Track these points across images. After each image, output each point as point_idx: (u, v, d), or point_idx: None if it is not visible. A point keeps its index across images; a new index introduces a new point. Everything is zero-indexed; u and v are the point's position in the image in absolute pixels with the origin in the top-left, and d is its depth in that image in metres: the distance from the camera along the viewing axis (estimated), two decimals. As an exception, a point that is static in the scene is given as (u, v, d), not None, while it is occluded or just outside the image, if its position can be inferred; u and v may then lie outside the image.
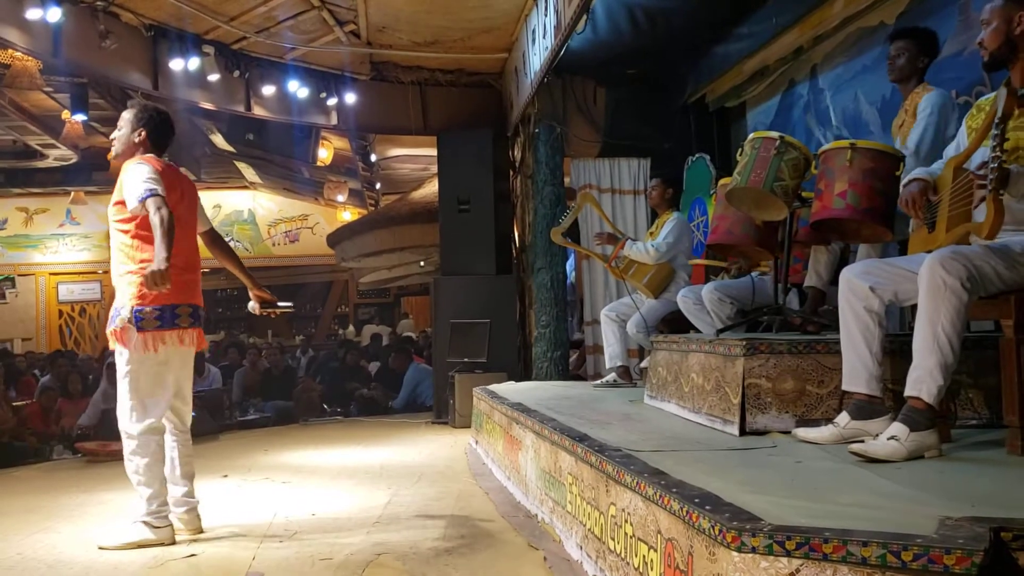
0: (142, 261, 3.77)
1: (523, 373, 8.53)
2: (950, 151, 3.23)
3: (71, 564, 3.61)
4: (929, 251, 2.86)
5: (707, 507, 2.10)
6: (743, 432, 3.41)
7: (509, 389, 6.30)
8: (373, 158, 12.72)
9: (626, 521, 2.64)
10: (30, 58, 9.18)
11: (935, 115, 3.81)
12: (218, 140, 12.28)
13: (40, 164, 14.68)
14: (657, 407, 4.50)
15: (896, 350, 3.20)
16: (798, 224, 4.16)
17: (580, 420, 4.04)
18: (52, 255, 17.73)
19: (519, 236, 9.23)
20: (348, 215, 16.95)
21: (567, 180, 8.57)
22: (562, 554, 3.38)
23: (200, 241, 4.20)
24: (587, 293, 8.53)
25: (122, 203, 3.82)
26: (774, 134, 4.03)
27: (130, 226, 3.83)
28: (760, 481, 2.52)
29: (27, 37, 7.17)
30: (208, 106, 9.07)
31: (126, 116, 4.01)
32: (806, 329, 3.97)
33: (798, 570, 1.83)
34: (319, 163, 13.27)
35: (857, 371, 3.03)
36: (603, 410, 4.59)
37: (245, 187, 17.49)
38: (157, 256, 3.54)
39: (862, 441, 2.85)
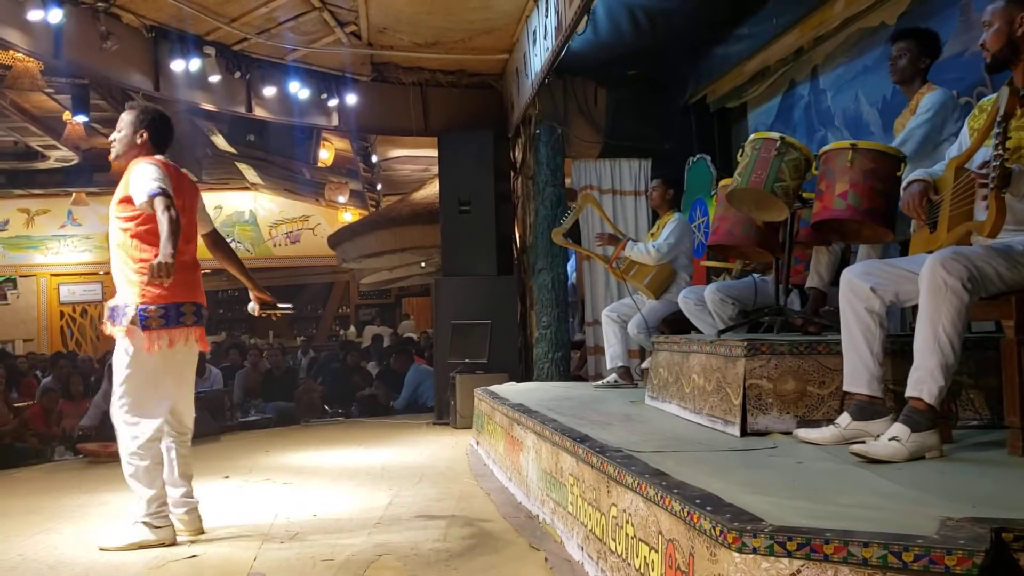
0: (141, 261, 3.76)
1: (524, 374, 8.53)
2: (952, 151, 3.23)
3: (72, 565, 3.61)
4: (930, 251, 2.85)
5: (708, 508, 2.10)
6: (744, 433, 3.40)
7: (510, 390, 6.30)
8: (374, 159, 12.73)
9: (627, 522, 2.64)
10: (31, 59, 9.19)
11: (932, 114, 3.80)
12: (219, 141, 12.29)
13: (41, 165, 14.71)
14: (658, 408, 4.50)
15: (897, 351, 3.20)
16: (799, 225, 4.16)
17: (581, 421, 4.04)
18: (53, 256, 17.74)
19: (520, 237, 9.24)
20: (349, 216, 16.96)
21: (568, 181, 8.58)
22: (563, 555, 3.37)
23: (201, 243, 4.20)
24: (588, 294, 8.53)
25: (126, 200, 3.81)
26: (775, 135, 4.03)
27: (131, 224, 3.83)
28: (761, 482, 2.52)
29: (28, 38, 7.18)
30: (209, 107, 9.08)
31: (126, 118, 4.01)
32: (807, 330, 3.97)
33: (799, 571, 1.83)
34: (320, 164, 13.26)
35: (858, 372, 3.03)
36: (604, 411, 4.58)
37: (246, 188, 17.51)
38: (163, 251, 3.53)
39: (863, 442, 2.85)
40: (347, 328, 18.93)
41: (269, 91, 9.03)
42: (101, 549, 3.79)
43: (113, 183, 4.02)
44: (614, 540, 2.78)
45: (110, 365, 8.31)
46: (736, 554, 1.91)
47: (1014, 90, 2.66)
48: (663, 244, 5.89)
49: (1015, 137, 2.77)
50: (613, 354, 6.09)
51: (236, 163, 14.51)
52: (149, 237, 3.77)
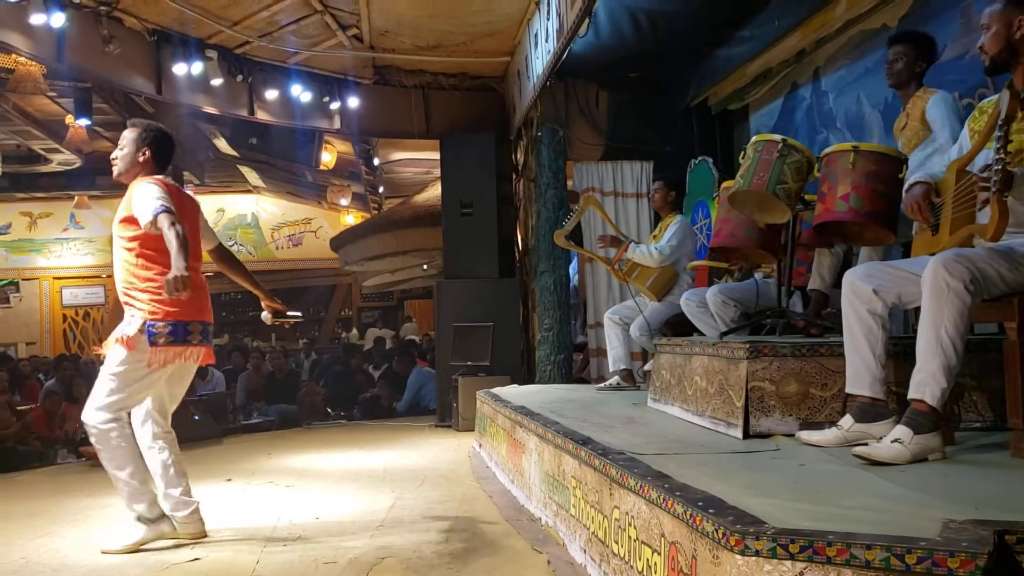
0: (147, 280, 3.78)
1: (526, 376, 8.53)
2: (953, 153, 3.23)
3: (75, 568, 3.62)
4: (932, 254, 2.86)
5: (711, 510, 2.10)
6: (747, 435, 3.40)
7: (512, 392, 6.30)
8: (376, 162, 12.74)
9: (630, 524, 2.64)
10: (34, 63, 9.19)
11: (948, 112, 3.80)
12: (221, 144, 12.30)
13: (44, 168, 14.72)
14: (660, 410, 4.50)
15: (900, 353, 3.20)
16: (801, 227, 4.17)
17: (583, 423, 4.03)
18: (56, 259, 17.75)
19: (522, 239, 9.24)
20: (351, 219, 16.97)
21: (570, 183, 8.58)
22: (566, 557, 3.37)
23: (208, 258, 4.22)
24: (590, 296, 8.53)
25: (129, 220, 3.82)
26: (777, 137, 4.03)
27: (135, 244, 3.83)
28: (764, 484, 2.52)
29: (31, 42, 7.19)
30: (211, 110, 9.09)
31: (129, 136, 4.01)
32: (809, 332, 3.97)
33: (801, 573, 1.83)
34: (322, 167, 13.29)
35: (860, 374, 3.03)
36: (606, 413, 4.58)
37: (248, 191, 17.53)
38: (175, 265, 3.53)
39: (866, 444, 2.85)
40: (349, 331, 18.94)
41: (271, 94, 9.04)
42: (103, 552, 3.79)
43: (115, 187, 4.03)
44: (616, 543, 2.78)
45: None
46: (739, 556, 1.91)
47: (1014, 93, 2.66)
48: (665, 246, 5.89)
49: (1016, 140, 2.77)
50: (615, 356, 6.10)
51: (238, 166, 14.53)
52: (154, 255, 3.78)
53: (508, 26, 8.01)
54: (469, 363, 8.14)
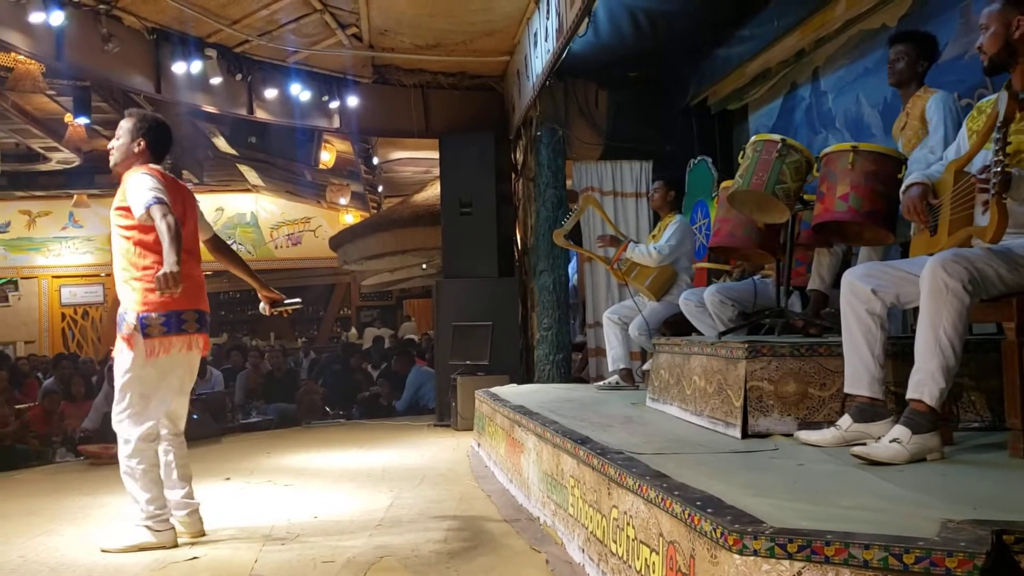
0: (144, 268, 3.78)
1: (525, 376, 8.53)
2: (950, 154, 3.23)
3: (73, 567, 3.62)
4: (931, 254, 2.86)
5: (709, 510, 2.10)
6: (745, 435, 3.41)
7: (511, 392, 6.30)
8: (375, 161, 12.73)
9: (628, 524, 2.64)
10: (33, 61, 9.19)
11: (945, 114, 3.80)
12: (220, 143, 12.30)
13: (43, 167, 14.70)
14: (659, 410, 4.50)
15: (898, 353, 3.20)
16: (800, 227, 4.17)
17: (582, 423, 4.04)
18: (55, 258, 17.74)
19: (521, 239, 9.24)
20: (350, 218, 16.96)
21: (569, 183, 8.58)
22: (564, 557, 3.38)
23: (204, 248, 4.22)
24: (589, 296, 8.53)
25: (124, 209, 3.83)
26: (776, 137, 4.03)
27: (132, 232, 3.84)
28: (762, 484, 2.52)
29: (30, 41, 7.19)
30: (210, 109, 9.09)
31: (125, 126, 4.02)
32: (808, 332, 3.97)
33: (800, 573, 1.83)
34: (321, 166, 13.26)
35: (859, 374, 3.03)
36: (605, 413, 4.58)
37: (247, 190, 17.52)
38: (167, 260, 3.55)
39: (864, 444, 2.85)
40: (348, 330, 18.93)
41: (270, 93, 9.04)
42: (102, 551, 3.79)
43: (114, 185, 4.03)
44: (615, 542, 2.78)
45: (111, 367, 8.31)
46: (737, 556, 1.91)
47: (1013, 94, 2.66)
48: (664, 246, 5.89)
49: (1015, 141, 2.77)
50: (615, 356, 6.10)
51: (237, 165, 14.52)
52: (150, 244, 3.78)
53: (507, 25, 8.01)
54: (468, 362, 8.14)
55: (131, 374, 3.81)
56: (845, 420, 3.07)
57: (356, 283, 18.73)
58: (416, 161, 12.54)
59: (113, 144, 4.03)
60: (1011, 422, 2.81)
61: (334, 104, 9.33)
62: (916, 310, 2.85)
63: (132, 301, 3.80)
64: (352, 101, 9.30)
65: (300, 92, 9.05)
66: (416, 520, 4.26)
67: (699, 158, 7.80)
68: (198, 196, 4.43)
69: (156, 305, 3.76)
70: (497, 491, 4.90)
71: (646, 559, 2.47)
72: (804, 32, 6.35)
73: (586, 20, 6.02)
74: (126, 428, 3.82)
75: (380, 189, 14.58)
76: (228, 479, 5.64)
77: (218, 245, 4.31)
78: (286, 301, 4.39)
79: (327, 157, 13.00)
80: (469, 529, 4.03)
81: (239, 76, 8.68)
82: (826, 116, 6.61)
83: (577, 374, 8.80)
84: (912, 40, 4.02)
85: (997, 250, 2.78)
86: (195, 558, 3.66)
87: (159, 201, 3.67)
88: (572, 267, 9.63)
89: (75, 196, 16.53)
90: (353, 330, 18.73)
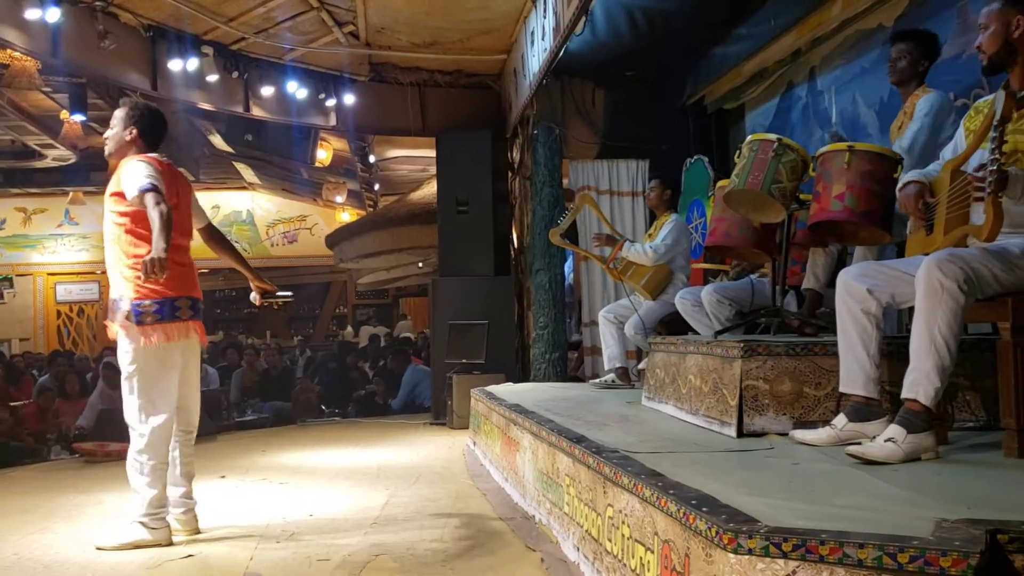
0: (135, 256, 3.76)
1: (521, 374, 8.53)
2: (947, 153, 3.24)
3: (68, 564, 3.61)
4: (926, 253, 2.86)
5: (704, 509, 2.10)
6: (740, 434, 3.41)
7: (507, 390, 6.30)
8: (372, 159, 12.72)
9: (623, 523, 2.64)
10: (29, 58, 9.17)
11: (931, 116, 3.82)
12: (217, 141, 12.28)
13: (38, 164, 14.65)
14: (655, 408, 4.51)
15: (893, 352, 3.20)
16: (796, 226, 4.17)
17: (578, 421, 4.03)
18: (50, 255, 17.70)
19: (517, 237, 9.24)
20: (347, 216, 16.94)
21: (565, 181, 8.58)
22: (559, 555, 3.37)
23: (199, 237, 4.22)
24: (585, 294, 8.53)
25: (119, 194, 3.82)
26: (772, 136, 4.03)
27: (124, 220, 3.83)
28: (757, 483, 2.52)
29: (26, 37, 7.17)
30: (207, 107, 9.07)
31: (118, 114, 4.03)
32: (804, 331, 3.97)
33: (794, 572, 1.83)
34: (318, 164, 13.25)
35: (854, 373, 3.03)
36: (601, 411, 4.58)
37: (244, 188, 17.48)
38: (156, 245, 3.54)
39: (859, 443, 2.85)
40: (344, 328, 18.92)
41: (267, 91, 9.03)
42: (97, 548, 3.78)
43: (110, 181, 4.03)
44: (610, 541, 2.78)
45: (106, 364, 8.32)
46: (732, 555, 1.92)
47: (1010, 93, 2.66)
48: (660, 245, 5.89)
49: (1012, 140, 2.77)
50: (611, 355, 6.10)
51: (234, 163, 14.48)
52: (143, 232, 3.77)
53: (504, 24, 8.01)
54: (464, 361, 8.14)
55: (134, 365, 3.81)
56: (840, 419, 3.07)
57: (352, 281, 18.71)
58: (412, 159, 12.53)
59: (108, 134, 4.04)
60: (1006, 422, 2.81)
61: (331, 102, 9.32)
62: (911, 310, 2.85)
63: (125, 289, 3.80)
64: (349, 99, 9.29)
65: (297, 90, 9.04)
66: (411, 518, 4.26)
67: (695, 157, 7.80)
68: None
69: (148, 293, 3.76)
70: (492, 490, 4.90)
71: (641, 558, 2.47)
72: (801, 32, 6.35)
73: (583, 19, 6.01)
74: (140, 422, 3.81)
75: (376, 187, 14.57)
76: (223, 477, 5.63)
77: (213, 234, 4.32)
78: (278, 293, 4.39)
79: (323, 155, 12.99)
80: (464, 527, 4.03)
81: (235, 73, 8.66)
82: (822, 116, 6.62)
83: (573, 373, 8.80)
84: (914, 39, 4.03)
85: (992, 250, 2.78)
86: (190, 556, 3.66)
87: (153, 188, 3.67)
88: (568, 266, 9.63)
89: (71, 193, 16.49)
90: (349, 328, 18.72)
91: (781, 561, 1.85)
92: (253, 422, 9.43)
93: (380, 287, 18.52)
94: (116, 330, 3.83)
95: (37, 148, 13.72)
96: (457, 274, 8.94)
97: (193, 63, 8.24)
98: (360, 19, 8.10)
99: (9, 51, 8.90)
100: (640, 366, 5.97)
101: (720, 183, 4.74)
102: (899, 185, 3.19)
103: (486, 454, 5.77)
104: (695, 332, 5.02)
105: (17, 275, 17.57)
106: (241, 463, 6.28)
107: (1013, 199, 2.72)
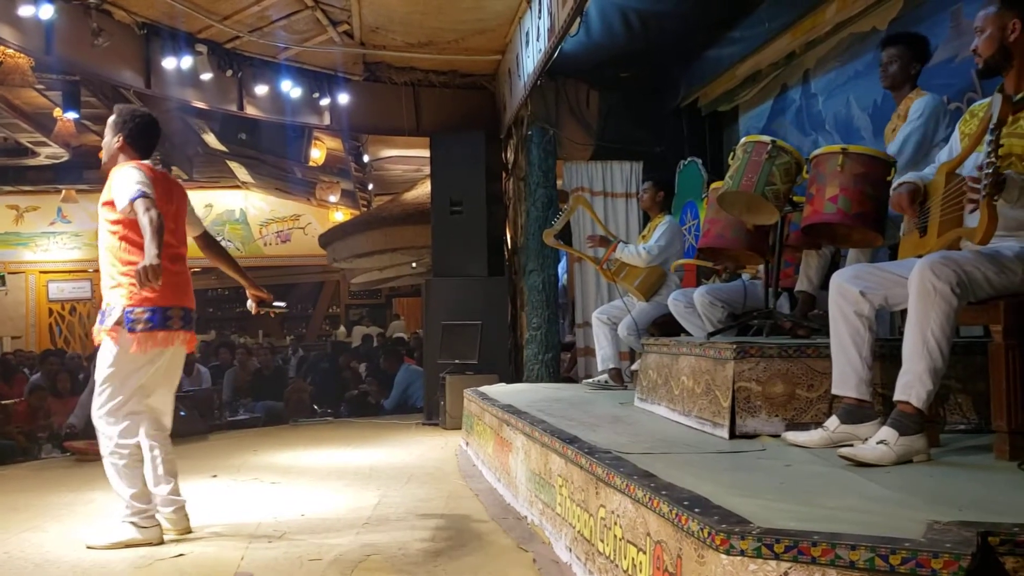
0: (128, 263, 3.76)
1: (514, 375, 8.53)
2: (942, 156, 3.24)
3: (58, 563, 3.60)
4: (920, 256, 2.86)
5: (696, 510, 2.10)
6: (733, 435, 3.41)
7: (500, 391, 6.30)
8: (366, 159, 12.71)
9: (615, 523, 2.64)
10: (22, 55, 9.13)
11: (924, 118, 3.83)
12: (210, 139, 12.25)
13: (31, 162, 14.61)
14: (647, 410, 4.51)
15: (886, 354, 3.21)
16: (789, 228, 4.17)
17: (570, 422, 4.04)
18: (43, 253, 17.64)
19: (511, 238, 9.24)
20: (340, 216, 16.92)
21: (559, 183, 8.58)
22: (551, 556, 3.38)
23: (194, 244, 4.21)
24: (579, 295, 8.53)
25: (111, 203, 3.82)
26: (766, 138, 4.04)
27: (118, 228, 3.83)
28: (749, 484, 2.52)
29: (19, 34, 7.15)
30: (201, 105, 9.05)
31: (108, 123, 4.05)
32: (796, 333, 3.98)
33: (786, 573, 1.84)
34: (311, 163, 13.24)
35: (847, 375, 3.04)
36: (593, 412, 4.59)
37: (237, 187, 17.44)
38: (148, 253, 3.53)
39: (851, 445, 2.86)
40: (337, 328, 18.89)
41: (261, 89, 9.01)
42: (87, 547, 3.77)
43: (103, 181, 4.03)
44: (602, 541, 2.78)
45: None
46: (724, 556, 1.92)
47: (1006, 97, 2.67)
48: (654, 246, 5.90)
49: (1007, 144, 2.78)
50: (604, 356, 6.11)
51: (227, 161, 14.46)
52: (137, 239, 3.76)
53: (499, 24, 8.01)
54: (457, 361, 8.14)
55: (113, 368, 3.80)
56: (832, 421, 3.07)
57: (345, 281, 18.69)
58: (406, 159, 12.52)
59: (103, 143, 4.06)
60: (997, 424, 2.82)
61: (325, 101, 9.31)
62: (904, 312, 2.85)
63: (118, 296, 3.79)
64: (343, 98, 9.28)
65: (291, 89, 9.03)
66: (403, 519, 4.26)
67: (689, 159, 7.81)
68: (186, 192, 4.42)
69: (141, 300, 3.75)
70: (485, 490, 4.90)
71: (633, 559, 2.47)
72: (795, 34, 6.36)
73: (578, 20, 6.01)
74: (106, 424, 3.82)
75: (370, 187, 14.56)
76: (215, 476, 5.62)
77: (208, 242, 4.31)
78: (274, 304, 4.39)
79: (317, 154, 12.98)
80: (456, 528, 4.03)
81: (229, 72, 8.65)
82: (816, 118, 6.63)
83: (566, 374, 8.80)
84: (905, 42, 4.04)
85: (986, 252, 2.79)
86: (181, 555, 3.65)
87: (143, 195, 3.66)
88: (562, 267, 9.64)
89: (63, 191, 16.43)
90: (342, 328, 18.70)
91: (773, 562, 1.85)
92: (245, 421, 9.42)
93: (373, 287, 18.51)
94: (102, 336, 3.82)
95: (30, 146, 13.67)
96: (450, 274, 8.93)
97: (187, 61, 8.23)
98: (355, 18, 8.09)
99: (2, 48, 8.86)
100: (633, 367, 5.97)
101: (714, 185, 4.74)
102: (892, 187, 3.20)
103: (479, 455, 5.77)
104: (688, 334, 5.03)
105: (9, 273, 17.51)
106: (233, 462, 6.27)
107: (1010, 203, 2.72)
